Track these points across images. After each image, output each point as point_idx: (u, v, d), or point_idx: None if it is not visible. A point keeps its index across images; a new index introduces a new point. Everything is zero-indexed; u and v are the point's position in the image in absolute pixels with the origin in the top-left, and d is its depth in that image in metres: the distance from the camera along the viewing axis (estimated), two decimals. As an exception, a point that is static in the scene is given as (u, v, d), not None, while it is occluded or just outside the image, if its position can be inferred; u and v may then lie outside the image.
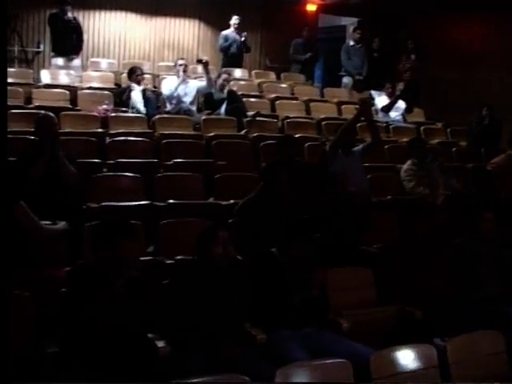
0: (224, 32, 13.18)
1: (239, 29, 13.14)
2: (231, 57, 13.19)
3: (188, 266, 5.21)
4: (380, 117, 11.60)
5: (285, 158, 7.31)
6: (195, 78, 10.81)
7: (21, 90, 10.05)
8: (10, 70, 11.67)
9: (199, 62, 10.55)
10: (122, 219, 5.06)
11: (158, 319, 4.54)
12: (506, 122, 11.43)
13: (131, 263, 4.45)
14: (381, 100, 11.77)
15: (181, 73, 10.17)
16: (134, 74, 10.18)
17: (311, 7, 14.95)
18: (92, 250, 4.69)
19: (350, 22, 15.95)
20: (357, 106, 11.29)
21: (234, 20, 13.07)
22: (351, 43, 13.85)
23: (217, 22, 14.30)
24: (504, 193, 8.25)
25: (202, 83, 10.30)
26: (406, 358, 4.34)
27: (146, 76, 10.69)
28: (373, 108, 11.86)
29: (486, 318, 5.28)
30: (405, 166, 8.54)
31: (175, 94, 10.11)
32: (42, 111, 7.89)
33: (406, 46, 13.97)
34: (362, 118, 8.24)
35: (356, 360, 4.17)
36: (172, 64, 12.04)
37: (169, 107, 10.17)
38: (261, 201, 6.19)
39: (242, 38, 13.03)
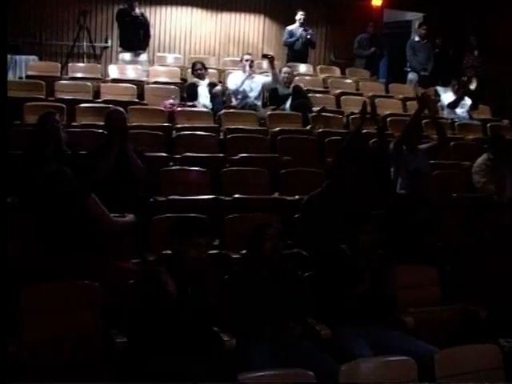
0: (289, 27, 13.18)
1: (304, 24, 13.11)
2: (296, 52, 13.18)
3: (240, 261, 5.27)
4: (445, 113, 11.48)
5: (351, 155, 7.29)
6: (260, 74, 10.84)
7: (89, 84, 10.24)
8: (79, 64, 11.95)
9: (265, 57, 10.59)
10: (195, 215, 5.15)
11: (222, 313, 4.60)
12: None
13: (199, 259, 4.49)
14: (447, 96, 11.63)
15: (247, 68, 10.22)
16: (195, 68, 10.30)
17: (376, 2, 14.79)
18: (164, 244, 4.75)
19: (415, 18, 15.80)
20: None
21: (300, 15, 13.04)
22: (416, 39, 13.70)
23: (282, 17, 14.33)
24: None
25: (267, 78, 10.34)
26: (471, 357, 4.30)
27: (210, 71, 10.77)
28: (438, 104, 11.81)
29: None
30: (479, 160, 8.41)
31: (241, 89, 10.17)
32: (110, 105, 8.05)
33: (469, 42, 13.76)
34: (426, 115, 8.15)
35: (420, 358, 4.17)
36: (237, 59, 12.12)
37: (234, 102, 10.23)
38: (327, 196, 6.20)
39: (308, 36, 12.99)
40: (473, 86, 11.78)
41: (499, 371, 4.33)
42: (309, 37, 13.01)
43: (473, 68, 13.35)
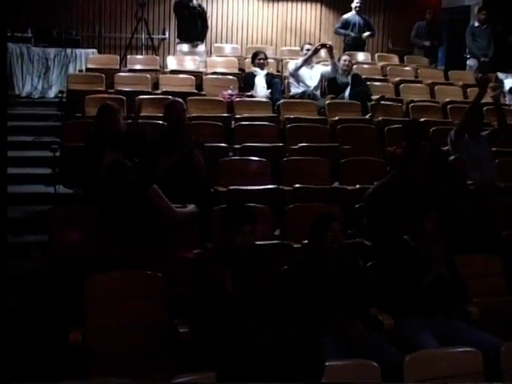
0: (345, 16, 13.05)
1: (361, 11, 13.02)
2: (352, 40, 13.08)
3: (301, 252, 5.27)
4: (508, 100, 11.28)
5: (413, 144, 7.21)
6: (318, 63, 10.79)
7: (148, 76, 10.33)
8: (138, 56, 12.06)
9: (323, 46, 10.54)
10: (242, 203, 5.19)
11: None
12: None
13: (245, 246, 4.56)
14: (509, 82, 11.45)
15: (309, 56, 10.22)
16: (257, 58, 10.29)
17: (435, -12, 14.68)
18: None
19: (474, 2, 15.51)
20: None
21: (356, 3, 12.94)
22: (476, 24, 13.44)
23: (339, 5, 14.26)
24: None
25: (326, 68, 10.30)
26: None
27: (269, 61, 10.77)
28: (499, 91, 11.60)
29: None
30: None
31: (299, 73, 10.14)
32: (170, 97, 8.10)
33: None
34: (489, 101, 8.02)
35: (485, 350, 4.11)
36: (295, 48, 12.10)
37: (293, 90, 10.20)
38: (393, 186, 6.13)
39: (366, 33, 12.89)
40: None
41: None
42: (368, 35, 12.93)
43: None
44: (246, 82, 10.17)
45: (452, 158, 6.68)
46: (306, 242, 5.07)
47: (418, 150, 6.70)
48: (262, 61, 10.23)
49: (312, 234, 4.87)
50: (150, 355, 4.46)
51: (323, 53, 10.89)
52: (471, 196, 6.49)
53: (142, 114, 8.44)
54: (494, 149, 8.06)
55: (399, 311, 4.82)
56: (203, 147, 6.78)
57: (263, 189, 6.67)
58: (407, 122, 8.33)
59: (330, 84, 10.33)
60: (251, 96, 9.82)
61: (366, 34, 12.89)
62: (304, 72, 10.17)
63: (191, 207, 5.77)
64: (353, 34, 12.87)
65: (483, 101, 8.59)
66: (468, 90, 11.45)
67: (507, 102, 11.16)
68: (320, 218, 4.92)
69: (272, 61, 11.51)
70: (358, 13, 12.98)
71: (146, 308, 4.71)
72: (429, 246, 5.00)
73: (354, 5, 12.94)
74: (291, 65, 10.32)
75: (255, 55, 10.39)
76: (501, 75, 12.26)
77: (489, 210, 6.48)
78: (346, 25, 12.99)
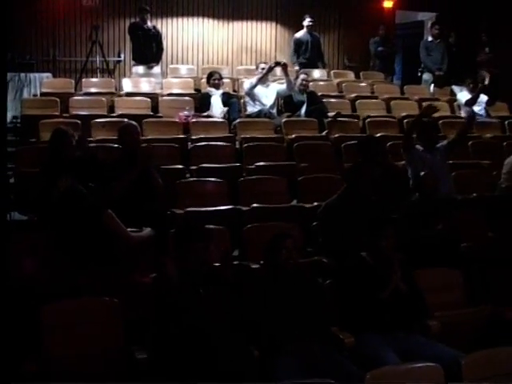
0: (297, 35, 13.19)
1: (312, 29, 13.14)
2: (307, 58, 13.16)
3: (258, 273, 5.25)
4: (463, 112, 11.38)
5: (367, 159, 7.24)
6: (274, 81, 10.81)
7: (103, 99, 10.26)
8: (93, 80, 11.98)
9: (277, 64, 10.56)
10: (194, 223, 5.17)
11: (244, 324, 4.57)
12: None
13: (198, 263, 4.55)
14: (463, 95, 11.53)
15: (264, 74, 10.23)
16: (212, 78, 10.29)
17: (388, 4, 14.80)
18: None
19: (427, 17, 15.72)
20: (436, 103, 11.28)
21: (307, 21, 13.04)
22: (430, 39, 13.60)
23: (294, 24, 14.27)
24: None
25: (281, 86, 10.32)
26: (499, 360, 4.23)
27: (225, 80, 10.76)
28: (455, 103, 11.73)
29: None
30: (510, 159, 8.15)
31: (255, 91, 10.14)
32: (125, 119, 8.05)
33: (480, 39, 13.67)
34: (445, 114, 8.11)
35: (446, 364, 4.11)
36: (251, 67, 12.12)
37: (249, 109, 10.20)
38: (344, 202, 6.14)
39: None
40: (486, 82, 11.61)
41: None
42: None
43: (485, 64, 13.23)
44: (201, 102, 10.14)
45: (422, 173, 6.71)
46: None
47: (372, 165, 6.72)
48: (216, 81, 10.23)
49: (267, 253, 4.88)
50: (108, 382, 4.38)
51: (279, 71, 10.91)
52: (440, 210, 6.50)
53: (97, 138, 8.38)
54: (450, 161, 8.12)
55: (360, 328, 4.80)
56: (159, 169, 6.72)
57: (220, 209, 6.64)
58: (363, 138, 8.36)
59: (286, 102, 10.35)
60: (207, 116, 9.79)
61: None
62: (260, 91, 10.18)
63: (147, 231, 5.71)
64: (303, 60, 12.98)
65: (438, 114, 8.70)
66: (423, 103, 11.53)
67: (462, 115, 11.27)
68: (274, 236, 4.93)
69: (228, 80, 11.51)
70: (310, 31, 13.08)
71: (103, 335, 4.65)
72: (386, 262, 5.00)
73: (305, 23, 13.06)
74: (247, 84, 10.33)
75: (210, 75, 10.40)
76: (455, 88, 12.38)
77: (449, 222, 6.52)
78: (299, 44, 13.09)
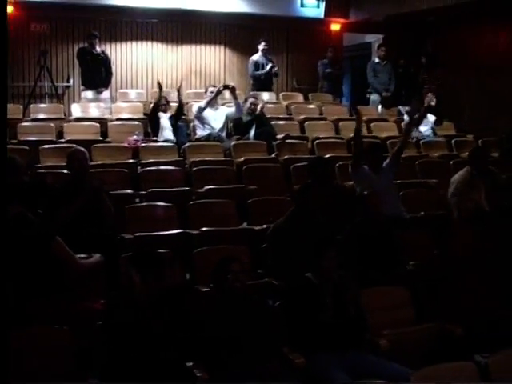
0: (254, 58, 13.31)
1: (267, 53, 13.29)
2: (261, 81, 13.30)
3: (207, 297, 5.26)
4: (411, 132, 11.54)
5: (316, 180, 7.30)
6: (223, 104, 10.87)
7: (52, 124, 10.21)
8: (41, 105, 11.90)
9: (226, 87, 10.63)
10: (147, 249, 5.16)
11: (195, 347, 4.58)
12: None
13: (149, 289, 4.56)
14: (410, 115, 11.70)
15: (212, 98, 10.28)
16: (159, 103, 10.30)
17: (335, 26, 15.01)
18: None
19: (374, 39, 15.95)
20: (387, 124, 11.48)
21: (262, 45, 13.20)
22: (377, 60, 13.83)
23: (242, 47, 14.48)
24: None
25: (230, 109, 10.38)
26: (447, 376, 4.28)
27: (173, 104, 10.77)
28: (402, 124, 11.90)
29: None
30: (456, 176, 8.16)
31: (204, 115, 10.17)
32: (74, 145, 8.00)
33: (430, 59, 13.90)
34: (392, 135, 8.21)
35: (396, 381, 4.15)
36: (200, 91, 12.16)
37: (198, 133, 10.22)
38: (292, 224, 6.19)
39: (269, 66, 13.11)
40: (433, 103, 11.81)
41: (477, 388, 4.31)
42: (274, 69, 13.18)
43: (428, 85, 13.45)
44: (151, 126, 10.14)
45: (365, 193, 6.78)
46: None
47: (321, 186, 6.79)
48: (163, 106, 10.23)
49: (214, 277, 4.91)
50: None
51: (227, 94, 10.97)
52: (383, 229, 6.58)
53: (45, 164, 8.32)
54: (398, 181, 8.22)
55: (310, 349, 4.83)
56: (108, 195, 6.70)
57: (170, 234, 6.63)
58: (312, 159, 8.43)
59: (235, 125, 10.41)
60: (156, 141, 9.79)
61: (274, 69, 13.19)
62: (209, 114, 10.22)
63: (96, 257, 5.67)
64: (272, 68, 13.14)
65: (386, 135, 8.82)
66: (372, 124, 11.71)
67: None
68: (220, 260, 4.96)
69: (176, 104, 11.51)
70: (265, 54, 13.25)
71: (54, 363, 4.59)
72: (331, 283, 5.06)
73: (260, 47, 13.22)
74: (195, 107, 10.36)
75: (158, 100, 10.38)
76: (402, 109, 12.57)
77: (396, 241, 6.59)
78: (257, 66, 13.25)
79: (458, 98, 13.69)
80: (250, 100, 10.52)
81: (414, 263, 6.37)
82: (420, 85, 13.58)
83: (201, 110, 10.18)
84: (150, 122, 10.24)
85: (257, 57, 13.28)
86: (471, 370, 4.35)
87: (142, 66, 13.93)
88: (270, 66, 13.17)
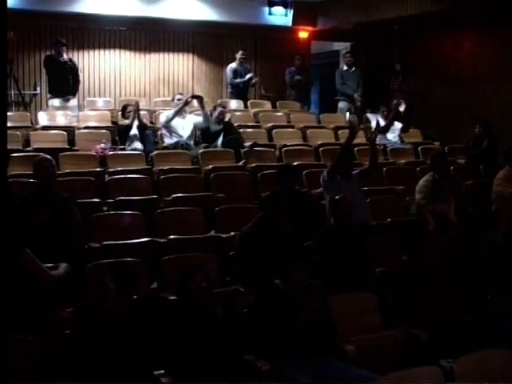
0: (232, 66, 13.43)
1: (244, 62, 13.45)
2: (239, 89, 13.42)
3: (174, 305, 5.26)
4: (377, 139, 11.58)
5: (284, 187, 7.34)
6: (191, 112, 10.86)
7: (19, 133, 10.11)
8: (8, 114, 11.75)
9: (194, 97, 10.64)
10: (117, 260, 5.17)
11: (161, 355, 4.58)
12: (503, 137, 11.45)
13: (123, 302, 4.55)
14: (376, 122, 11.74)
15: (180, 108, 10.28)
16: (126, 110, 10.31)
17: (303, 34, 15.07)
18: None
19: (343, 47, 16.04)
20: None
21: (240, 55, 13.37)
22: (345, 68, 13.91)
23: (211, 55, 14.50)
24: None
25: (198, 118, 10.39)
26: (413, 381, 4.32)
27: (142, 112, 10.76)
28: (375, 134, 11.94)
29: (493, 336, 5.26)
30: (421, 182, 8.36)
31: (172, 123, 10.16)
32: (41, 154, 7.95)
33: (397, 67, 14.01)
34: (360, 142, 8.26)
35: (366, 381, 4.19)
36: (168, 99, 12.14)
37: (166, 141, 10.21)
38: (259, 231, 6.22)
39: (248, 75, 13.30)
40: (401, 109, 11.89)
41: (442, 392, 4.35)
42: (254, 80, 13.45)
43: (400, 92, 13.55)
44: (118, 135, 10.11)
45: (337, 197, 6.82)
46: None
47: (287, 193, 6.82)
48: (131, 113, 10.22)
49: (178, 287, 4.92)
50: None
51: (196, 102, 10.97)
52: (353, 235, 6.62)
53: (12, 173, 8.25)
54: (365, 188, 8.28)
55: (277, 355, 4.83)
56: (75, 202, 6.68)
57: (137, 242, 6.62)
58: (279, 167, 8.46)
59: (203, 133, 10.42)
60: (124, 149, 9.77)
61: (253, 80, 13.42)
62: (177, 122, 10.22)
63: (63, 266, 5.64)
64: (251, 77, 13.32)
65: (353, 142, 8.84)
66: (339, 132, 11.77)
67: (376, 142, 11.46)
68: (182, 270, 4.96)
69: (145, 112, 11.50)
70: (242, 63, 13.38)
71: (21, 374, 4.55)
72: (300, 290, 5.08)
73: (238, 56, 13.39)
74: (163, 117, 10.35)
75: (124, 108, 10.42)
76: (369, 116, 12.63)
77: (365, 248, 6.64)
78: (235, 74, 13.35)
79: (424, 105, 13.80)
80: (219, 109, 10.53)
81: (381, 269, 6.42)
82: (391, 92, 13.66)
83: (168, 120, 10.17)
84: (120, 131, 10.18)
85: (235, 65, 13.41)
86: (437, 374, 4.38)
87: (110, 73, 13.87)
88: (249, 75, 13.32)
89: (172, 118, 10.15)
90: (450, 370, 4.49)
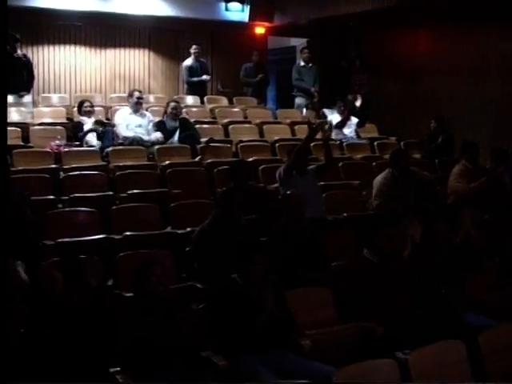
0: (187, 63, 13.35)
1: (199, 56, 13.39)
2: (196, 86, 13.37)
3: (129, 301, 5.23)
4: (333, 134, 11.65)
5: (238, 183, 7.33)
6: (147, 109, 10.81)
7: (-29, 130, 9.94)
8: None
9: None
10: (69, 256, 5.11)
11: (117, 353, 4.55)
12: (458, 131, 11.58)
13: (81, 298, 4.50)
14: (333, 118, 11.81)
15: (136, 105, 10.23)
16: (83, 106, 10.22)
17: (260, 30, 15.06)
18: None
19: (299, 43, 16.07)
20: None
21: (194, 49, 13.25)
22: (301, 63, 13.93)
23: (167, 51, 14.42)
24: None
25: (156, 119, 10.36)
26: (368, 373, 4.36)
27: (98, 108, 10.66)
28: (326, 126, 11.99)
29: (446, 328, 5.32)
30: (378, 177, 8.26)
31: (129, 120, 10.11)
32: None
33: (354, 63, 14.08)
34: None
35: (319, 380, 4.20)
36: (124, 95, 12.06)
37: (122, 137, 10.12)
38: (216, 227, 6.21)
39: (204, 77, 13.27)
40: (358, 103, 11.92)
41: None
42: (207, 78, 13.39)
43: (359, 87, 13.63)
44: (74, 131, 10.02)
45: (288, 192, 6.83)
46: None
47: (242, 189, 6.82)
48: (88, 108, 10.14)
49: (136, 281, 4.87)
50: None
51: (152, 98, 10.90)
52: (306, 230, 6.64)
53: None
54: (322, 183, 8.31)
55: (234, 351, 4.83)
56: (28, 200, 6.60)
57: (93, 239, 6.58)
58: (233, 162, 8.46)
59: (158, 129, 10.32)
60: (80, 145, 9.68)
61: (206, 77, 13.36)
62: (134, 119, 10.12)
63: (18, 264, 5.59)
64: (206, 78, 13.34)
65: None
66: (296, 127, 11.79)
67: (333, 137, 11.53)
68: (141, 264, 4.94)
69: (101, 108, 11.41)
70: (197, 58, 13.31)
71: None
72: (258, 284, 5.08)
73: (192, 51, 13.29)
74: (118, 118, 10.23)
75: (81, 104, 10.33)
76: (326, 111, 12.68)
77: (320, 243, 6.67)
78: (191, 70, 13.29)
79: (380, 101, 13.90)
80: (171, 104, 10.43)
81: (336, 264, 6.45)
82: (350, 88, 13.71)
83: (126, 117, 10.09)
84: (74, 128, 10.09)
85: (190, 61, 13.34)
86: (392, 366, 4.45)
87: (65, 69, 13.72)
88: (205, 77, 13.34)
89: (128, 122, 10.06)
90: (405, 362, 4.53)
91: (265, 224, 6.67)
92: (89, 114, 10.14)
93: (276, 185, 8.03)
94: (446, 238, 6.31)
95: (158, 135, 9.93)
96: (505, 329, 5.23)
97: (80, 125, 10.00)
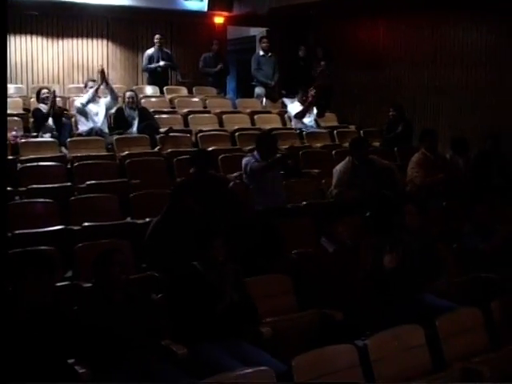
0: (148, 52, 13.33)
1: (163, 46, 13.35)
2: (157, 74, 13.32)
3: (88, 291, 5.19)
4: (293, 124, 11.70)
5: (198, 172, 7.32)
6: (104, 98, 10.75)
7: None
8: None
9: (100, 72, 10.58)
10: (33, 249, 5.05)
11: (75, 344, 4.50)
12: (417, 119, 11.68)
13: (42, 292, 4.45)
14: (294, 107, 11.81)
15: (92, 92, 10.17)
16: (41, 93, 10.17)
17: (219, 20, 15.02)
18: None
19: (259, 33, 16.05)
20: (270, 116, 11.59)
21: (156, 39, 13.25)
22: (261, 53, 13.90)
23: (126, 41, 14.34)
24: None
25: (107, 99, 10.26)
26: (328, 359, 4.40)
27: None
28: (286, 115, 12.04)
29: (404, 311, 5.38)
30: (338, 166, 8.35)
31: (87, 109, 10.04)
32: None
33: (315, 52, 14.09)
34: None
35: (277, 367, 4.25)
36: (82, 85, 11.95)
37: (80, 128, 10.06)
38: (169, 219, 6.21)
39: (162, 63, 13.26)
40: (311, 93, 11.86)
41: (357, 369, 4.46)
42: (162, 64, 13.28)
43: (322, 76, 13.64)
44: (36, 119, 9.92)
45: (232, 183, 6.85)
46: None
47: (201, 178, 6.81)
48: (46, 95, 10.07)
49: (97, 270, 4.83)
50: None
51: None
52: (258, 219, 6.66)
53: None
54: (282, 172, 8.33)
55: (193, 339, 4.83)
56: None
57: (51, 230, 6.53)
58: (194, 152, 8.44)
59: (116, 118, 10.27)
60: (37, 137, 9.59)
61: (162, 63, 13.26)
62: (91, 108, 10.06)
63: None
64: (162, 64, 13.24)
65: (270, 126, 8.86)
66: (255, 116, 11.81)
67: (293, 126, 11.58)
68: (102, 252, 4.90)
69: (59, 99, 11.29)
70: (160, 48, 13.28)
71: None
72: (218, 271, 5.09)
73: (155, 40, 13.31)
74: (77, 103, 10.17)
75: (39, 92, 10.27)
76: (286, 101, 12.69)
77: (277, 231, 6.69)
78: (151, 60, 13.25)
79: (340, 89, 13.94)
80: (128, 94, 10.38)
81: (296, 251, 6.48)
82: (312, 77, 13.71)
83: (84, 103, 10.03)
84: (34, 115, 10.00)
85: (152, 51, 13.36)
86: (351, 351, 4.50)
87: (22, 60, 13.55)
88: (162, 63, 13.25)
89: (88, 101, 10.01)
90: (364, 348, 4.58)
91: (226, 213, 6.66)
92: (47, 100, 10.02)
93: (236, 174, 8.04)
94: (414, 220, 6.34)
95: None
96: (462, 312, 5.32)
97: (39, 111, 9.89)
